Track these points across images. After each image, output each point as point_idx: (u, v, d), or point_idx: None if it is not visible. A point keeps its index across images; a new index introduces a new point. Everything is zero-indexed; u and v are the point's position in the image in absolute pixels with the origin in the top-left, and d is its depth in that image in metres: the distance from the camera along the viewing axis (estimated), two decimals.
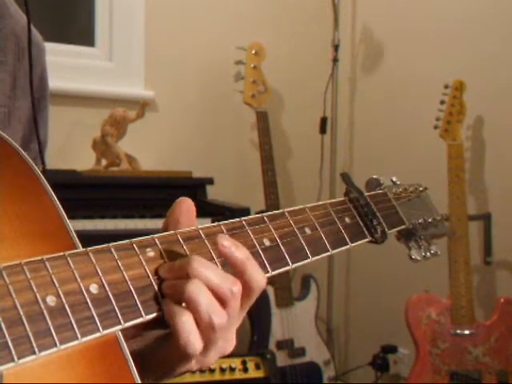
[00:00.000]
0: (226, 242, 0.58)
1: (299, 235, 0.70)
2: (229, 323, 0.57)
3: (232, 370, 2.09)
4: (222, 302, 0.57)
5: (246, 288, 0.59)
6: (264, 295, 2.36)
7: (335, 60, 2.87)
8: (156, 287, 0.56)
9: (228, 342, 0.59)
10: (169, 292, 0.55)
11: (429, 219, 0.90)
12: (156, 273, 0.56)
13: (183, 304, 0.55)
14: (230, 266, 0.59)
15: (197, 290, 0.54)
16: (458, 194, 2.20)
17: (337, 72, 2.89)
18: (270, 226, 0.67)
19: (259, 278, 0.60)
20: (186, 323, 0.54)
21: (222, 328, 0.56)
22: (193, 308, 0.54)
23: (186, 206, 0.63)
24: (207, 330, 0.55)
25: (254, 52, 2.52)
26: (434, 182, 2.24)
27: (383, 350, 2.64)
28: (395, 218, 0.86)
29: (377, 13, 2.91)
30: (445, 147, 2.24)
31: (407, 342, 2.32)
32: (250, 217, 0.67)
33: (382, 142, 2.87)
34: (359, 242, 0.78)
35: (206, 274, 0.56)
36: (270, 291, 2.38)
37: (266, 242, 0.66)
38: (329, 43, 2.87)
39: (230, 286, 0.57)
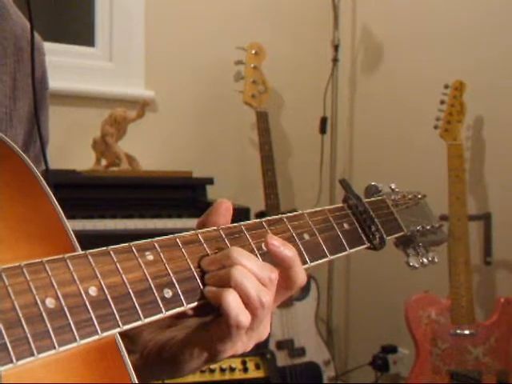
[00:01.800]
0: (276, 242, 0.63)
1: (298, 241, 0.70)
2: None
3: (232, 370, 2.10)
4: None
5: (290, 282, 0.64)
6: None
7: (335, 60, 2.87)
8: (198, 279, 0.59)
9: (266, 327, 0.63)
10: (213, 281, 0.59)
11: (427, 226, 0.90)
12: (198, 266, 0.60)
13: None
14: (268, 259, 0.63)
15: (242, 274, 0.58)
16: (457, 194, 2.20)
17: (337, 72, 2.89)
18: (269, 231, 0.68)
19: (303, 275, 0.64)
20: (233, 301, 0.57)
21: (268, 306, 0.59)
22: (241, 290, 0.58)
23: (225, 206, 0.66)
24: (257, 308, 0.59)
25: (253, 52, 2.52)
26: (434, 182, 2.26)
27: (383, 350, 2.64)
28: (393, 224, 0.87)
29: (377, 13, 2.91)
30: (445, 147, 2.24)
31: (407, 341, 2.32)
32: (249, 222, 0.67)
33: (381, 141, 2.87)
34: (357, 249, 0.79)
35: (245, 262, 0.59)
36: None
37: (265, 247, 0.66)
38: (329, 43, 2.87)
39: (269, 273, 0.61)
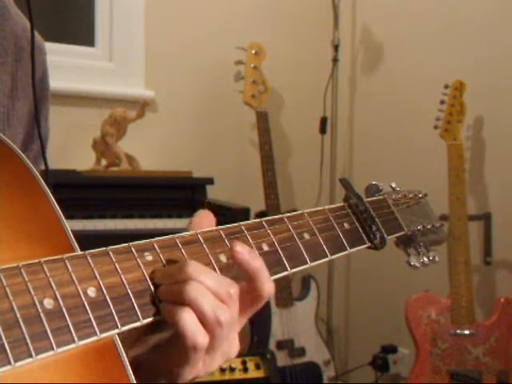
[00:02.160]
0: (240, 249, 0.58)
1: (298, 240, 0.69)
2: (231, 325, 0.57)
3: (232, 370, 2.09)
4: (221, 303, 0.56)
5: (255, 295, 0.59)
6: None
7: (335, 60, 2.87)
8: (153, 292, 0.55)
9: (232, 344, 0.59)
10: (166, 297, 0.55)
11: (428, 226, 0.90)
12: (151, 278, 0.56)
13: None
14: (233, 269, 0.59)
15: (197, 291, 0.54)
16: (458, 194, 2.20)
17: (337, 72, 2.89)
18: (269, 231, 0.67)
19: (269, 286, 0.60)
20: (188, 318, 0.54)
21: (227, 324, 0.55)
22: (196, 309, 0.54)
23: (206, 221, 0.64)
24: (214, 328, 0.55)
25: (253, 52, 2.52)
26: (434, 182, 2.25)
27: (383, 350, 2.64)
28: (394, 224, 0.86)
29: (377, 13, 2.91)
30: (445, 147, 2.24)
31: (407, 342, 2.32)
32: (249, 221, 0.67)
33: (381, 141, 2.87)
34: (358, 248, 0.78)
35: (201, 278, 0.55)
36: None
37: (265, 247, 0.66)
38: (329, 43, 2.87)
39: (227, 288, 0.57)
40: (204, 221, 0.64)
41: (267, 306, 2.39)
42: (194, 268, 0.56)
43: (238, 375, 2.10)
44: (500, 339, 2.14)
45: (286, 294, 2.42)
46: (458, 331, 2.15)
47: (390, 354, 2.64)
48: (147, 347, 0.58)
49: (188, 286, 0.54)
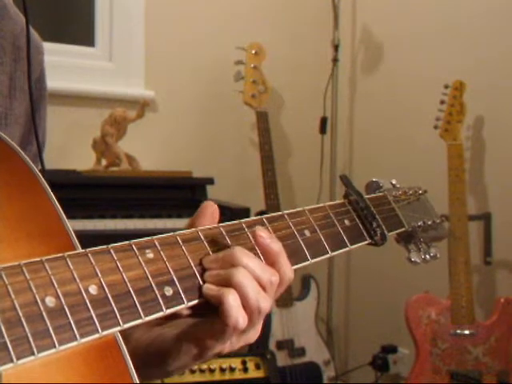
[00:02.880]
0: (263, 234, 0.63)
1: (298, 237, 0.70)
2: None
3: (232, 369, 2.09)
4: (263, 289, 0.60)
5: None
6: None
7: (335, 60, 2.87)
8: (199, 276, 0.59)
9: (256, 331, 0.63)
10: (212, 280, 0.59)
11: (428, 222, 0.90)
12: (200, 263, 0.60)
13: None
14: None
15: (244, 277, 0.58)
16: (458, 194, 2.20)
17: (337, 72, 2.89)
18: (270, 228, 0.67)
19: (289, 270, 0.64)
20: (234, 301, 0.57)
21: (265, 312, 0.60)
22: (241, 293, 0.58)
23: (211, 210, 0.66)
24: (253, 312, 0.59)
25: (253, 52, 2.52)
26: (434, 181, 2.25)
27: (383, 350, 2.64)
28: (395, 220, 0.86)
29: (377, 13, 2.91)
30: (445, 147, 2.24)
31: (407, 342, 2.32)
32: (249, 219, 0.67)
33: (381, 142, 2.87)
34: (359, 245, 0.78)
35: (249, 263, 0.59)
36: None
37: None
38: (329, 43, 2.87)
39: (270, 275, 0.61)
40: (206, 223, 0.65)
41: None
42: (242, 254, 0.60)
43: (238, 375, 2.10)
44: (500, 339, 2.14)
45: (286, 293, 2.42)
46: (458, 331, 2.15)
47: (390, 353, 2.64)
48: (178, 327, 0.62)
49: (236, 270, 0.58)
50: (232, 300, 0.57)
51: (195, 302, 0.58)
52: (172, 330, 0.62)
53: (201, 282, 0.59)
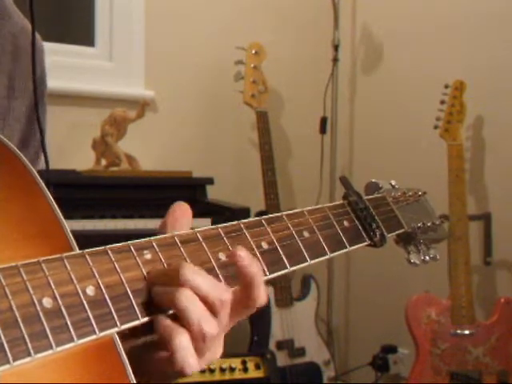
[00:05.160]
0: (242, 253, 0.58)
1: (297, 238, 0.69)
2: (219, 332, 0.57)
3: (232, 369, 2.09)
4: (212, 310, 0.56)
5: (250, 301, 0.59)
6: None
7: (335, 60, 2.87)
8: (147, 291, 0.55)
9: (216, 349, 0.59)
10: (158, 298, 0.55)
11: (428, 223, 0.90)
12: (144, 277, 0.56)
13: (171, 311, 0.55)
14: (229, 267, 0.59)
15: (188, 300, 0.54)
16: (458, 194, 2.20)
17: (337, 72, 2.89)
18: (269, 229, 0.67)
19: (263, 294, 0.60)
20: (183, 343, 0.54)
21: (211, 337, 0.55)
22: (183, 316, 0.54)
23: (180, 211, 0.63)
24: (197, 340, 0.55)
25: (254, 52, 2.52)
26: (434, 182, 2.25)
27: (383, 350, 2.63)
28: (394, 221, 0.86)
29: (377, 13, 2.91)
30: (445, 147, 2.24)
31: (407, 342, 2.32)
32: (248, 220, 0.66)
33: (381, 141, 2.87)
34: (358, 246, 0.78)
35: (196, 281, 0.55)
36: (270, 291, 2.38)
37: (264, 245, 0.66)
38: (329, 43, 2.86)
39: (220, 294, 0.56)
40: (179, 219, 0.63)
41: (267, 306, 2.39)
42: (189, 271, 0.55)
43: (238, 375, 2.10)
44: (500, 339, 2.14)
45: (286, 293, 2.42)
46: (458, 331, 2.15)
47: (390, 354, 2.64)
48: (141, 342, 0.59)
49: (180, 292, 0.54)
50: (181, 342, 0.54)
51: None
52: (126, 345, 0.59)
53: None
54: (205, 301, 0.56)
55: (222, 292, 0.57)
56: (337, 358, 2.87)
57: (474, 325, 2.15)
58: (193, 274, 0.55)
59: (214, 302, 0.56)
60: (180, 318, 0.54)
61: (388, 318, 2.74)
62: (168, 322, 0.55)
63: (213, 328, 0.55)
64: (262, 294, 0.59)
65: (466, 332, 2.14)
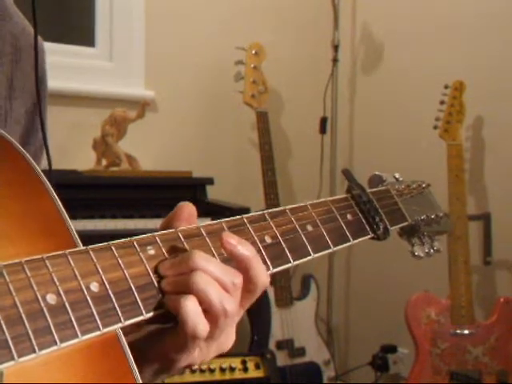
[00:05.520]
0: (231, 240, 0.59)
1: (301, 232, 0.69)
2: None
3: (232, 369, 2.09)
4: (225, 291, 0.57)
5: (251, 284, 0.60)
6: (264, 295, 2.36)
7: (335, 60, 2.87)
8: (156, 285, 0.56)
9: (229, 336, 0.60)
10: (170, 289, 0.56)
11: (431, 216, 0.90)
12: (156, 271, 0.56)
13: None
14: (233, 262, 0.60)
15: (204, 280, 0.55)
16: (457, 194, 2.20)
17: (337, 72, 2.89)
18: (272, 223, 0.67)
19: (263, 275, 0.60)
20: (191, 307, 0.54)
21: (232, 313, 0.57)
22: (203, 298, 0.55)
23: (187, 211, 0.63)
24: (219, 316, 0.56)
25: (254, 52, 2.52)
26: (433, 182, 2.24)
27: (383, 350, 2.64)
28: (398, 214, 0.86)
29: (377, 13, 2.91)
30: (444, 147, 2.24)
31: (407, 342, 2.32)
32: (251, 214, 0.66)
33: (381, 141, 2.87)
34: (361, 239, 0.77)
35: (207, 266, 0.56)
36: (270, 291, 2.38)
37: (268, 239, 0.66)
38: (329, 43, 2.87)
39: (232, 277, 0.57)
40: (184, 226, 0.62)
41: (267, 305, 2.39)
42: (200, 257, 0.56)
43: (238, 375, 2.10)
44: (500, 339, 2.14)
45: (286, 293, 2.42)
46: (458, 331, 2.15)
47: (389, 353, 2.64)
48: (145, 333, 0.59)
49: (195, 275, 0.55)
50: (188, 306, 0.54)
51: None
52: (134, 337, 0.59)
53: (159, 293, 0.56)
54: (219, 283, 0.57)
55: (233, 276, 0.58)
56: (337, 357, 2.87)
57: (474, 324, 2.15)
58: (205, 259, 0.57)
59: (227, 284, 0.57)
60: (200, 301, 0.55)
61: (388, 317, 2.74)
62: (174, 295, 0.55)
63: (233, 305, 0.57)
64: (261, 276, 0.60)
65: (466, 332, 2.15)
